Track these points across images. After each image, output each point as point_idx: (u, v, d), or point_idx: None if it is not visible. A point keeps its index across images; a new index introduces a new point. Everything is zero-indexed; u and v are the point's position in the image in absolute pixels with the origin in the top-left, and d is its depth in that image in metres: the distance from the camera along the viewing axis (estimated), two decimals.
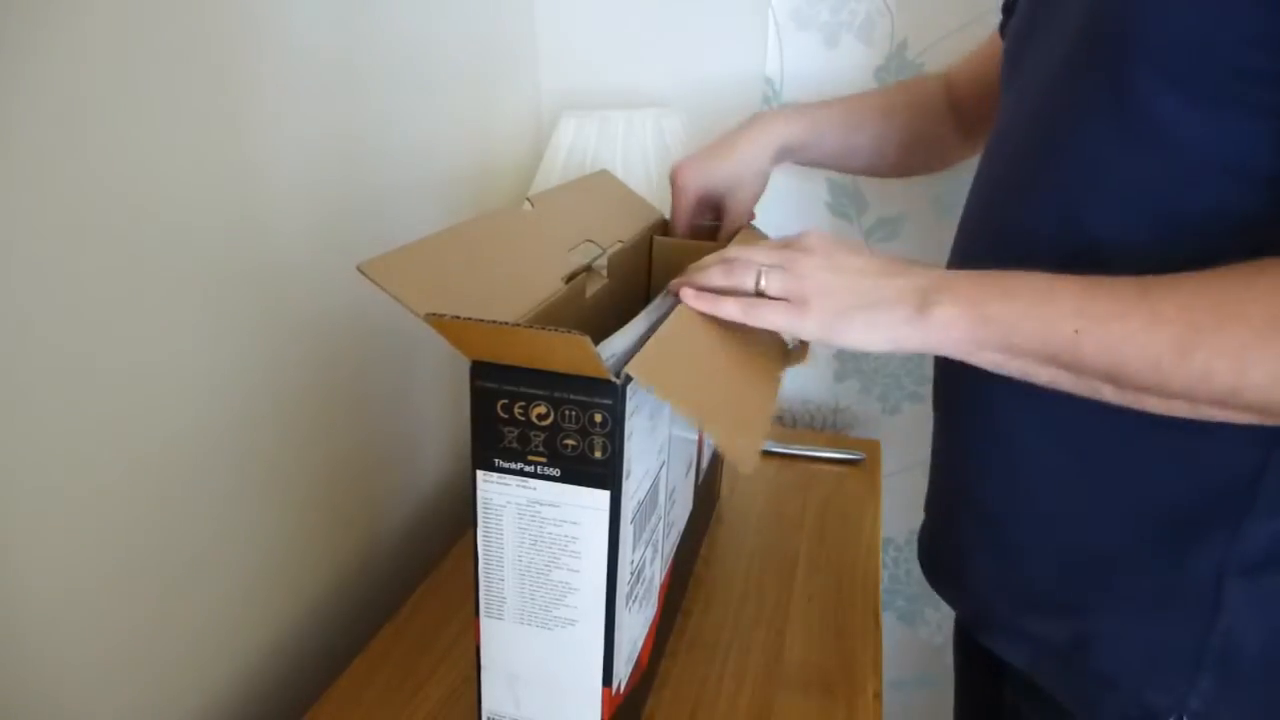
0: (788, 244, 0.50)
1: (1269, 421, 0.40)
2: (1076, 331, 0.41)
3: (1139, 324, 0.40)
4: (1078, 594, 0.52)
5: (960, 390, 0.56)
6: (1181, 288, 0.40)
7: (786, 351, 0.58)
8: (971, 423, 0.56)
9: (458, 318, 0.39)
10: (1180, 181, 0.43)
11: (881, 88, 0.76)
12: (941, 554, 0.63)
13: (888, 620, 1.18)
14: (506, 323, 0.39)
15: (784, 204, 1.02)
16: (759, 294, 0.47)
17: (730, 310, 0.47)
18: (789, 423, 1.12)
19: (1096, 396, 0.43)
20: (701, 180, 0.67)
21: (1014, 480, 0.53)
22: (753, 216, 0.73)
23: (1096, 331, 0.41)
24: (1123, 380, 0.41)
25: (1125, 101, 0.43)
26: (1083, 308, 0.41)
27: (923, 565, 0.66)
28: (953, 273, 0.46)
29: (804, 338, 0.47)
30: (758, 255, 0.50)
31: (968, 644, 0.68)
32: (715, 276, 0.49)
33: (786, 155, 0.70)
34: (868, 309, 0.45)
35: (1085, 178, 0.46)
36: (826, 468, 0.93)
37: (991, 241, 0.53)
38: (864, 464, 0.94)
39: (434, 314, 0.40)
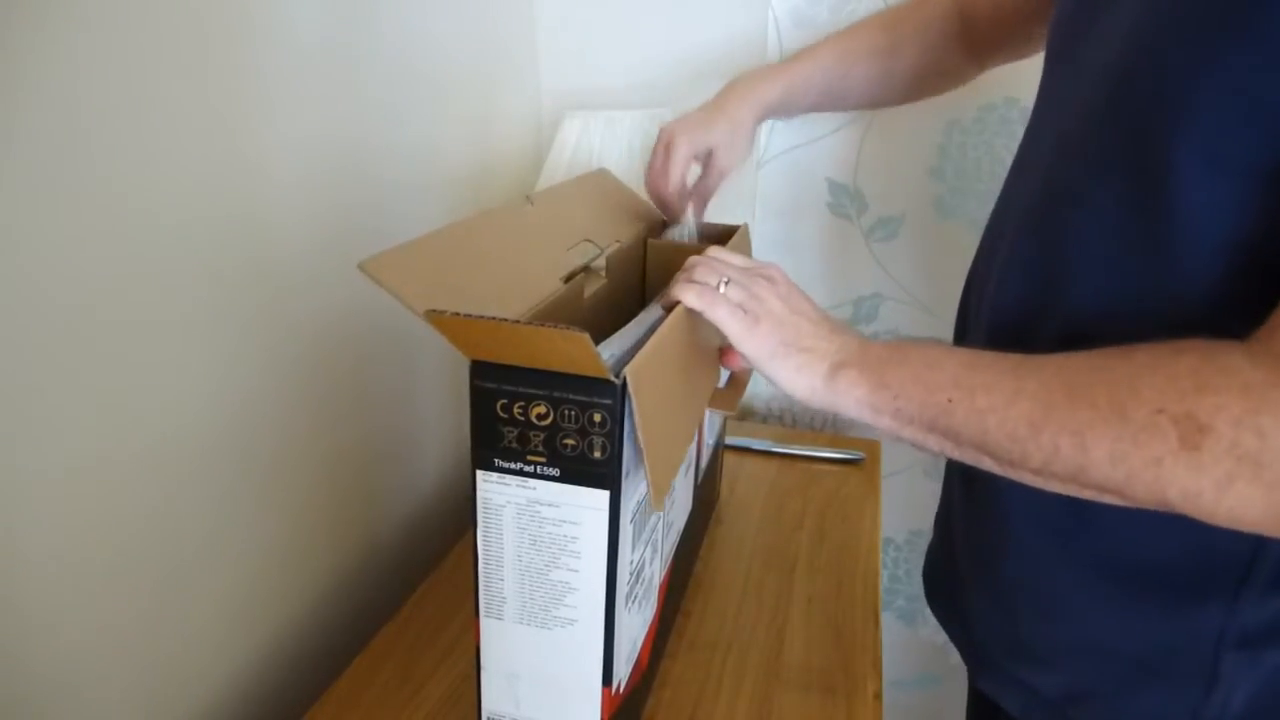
0: (756, 267, 0.52)
1: (1130, 503, 0.39)
2: (950, 400, 0.42)
3: (1003, 397, 0.41)
4: (1069, 651, 0.51)
5: None
6: (1049, 365, 0.41)
7: (716, 391, 0.57)
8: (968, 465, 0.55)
9: (457, 314, 0.39)
10: (1174, 257, 0.41)
11: (883, 16, 0.73)
12: (943, 583, 0.62)
13: (888, 620, 1.18)
14: (506, 319, 0.39)
15: (783, 205, 1.02)
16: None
17: (690, 297, 0.49)
18: (789, 422, 1.12)
19: (981, 467, 0.44)
20: (696, 143, 0.70)
21: (1009, 526, 0.51)
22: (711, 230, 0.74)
23: (966, 402, 0.42)
24: (992, 452, 0.42)
25: (1146, 163, 0.41)
26: (960, 378, 0.43)
27: (926, 588, 0.65)
28: (873, 341, 0.48)
29: (743, 351, 0.48)
30: (731, 260, 0.51)
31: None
32: (690, 272, 0.51)
33: (769, 114, 0.72)
34: (803, 352, 0.48)
35: (1083, 241, 0.45)
36: (826, 468, 0.93)
37: (993, 277, 0.52)
38: (864, 464, 0.94)
39: (433, 311, 0.40)
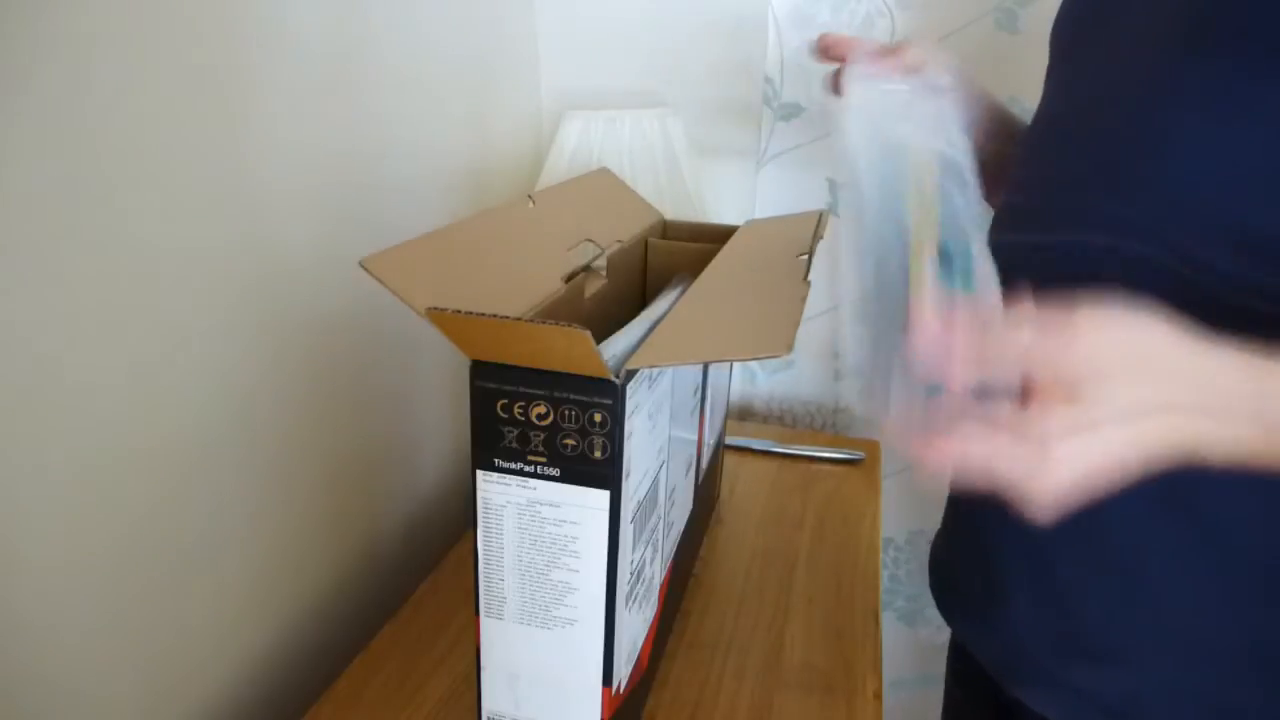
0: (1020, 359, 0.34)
1: None
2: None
3: None
4: (1137, 640, 0.45)
5: None
6: None
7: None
8: None
9: (458, 312, 0.39)
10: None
11: None
12: (964, 583, 0.57)
13: (888, 620, 1.18)
14: (507, 317, 0.39)
15: (783, 205, 1.02)
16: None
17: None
18: (789, 423, 1.12)
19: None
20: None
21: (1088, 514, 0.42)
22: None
23: None
24: None
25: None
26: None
27: (934, 589, 0.62)
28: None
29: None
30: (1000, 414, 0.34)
31: (964, 670, 0.66)
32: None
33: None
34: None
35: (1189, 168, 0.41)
36: (826, 468, 0.93)
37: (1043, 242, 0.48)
38: (864, 464, 0.94)
39: (434, 308, 0.40)
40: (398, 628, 0.67)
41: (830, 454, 0.94)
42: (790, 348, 0.35)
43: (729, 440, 0.96)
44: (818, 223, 0.64)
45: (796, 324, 0.40)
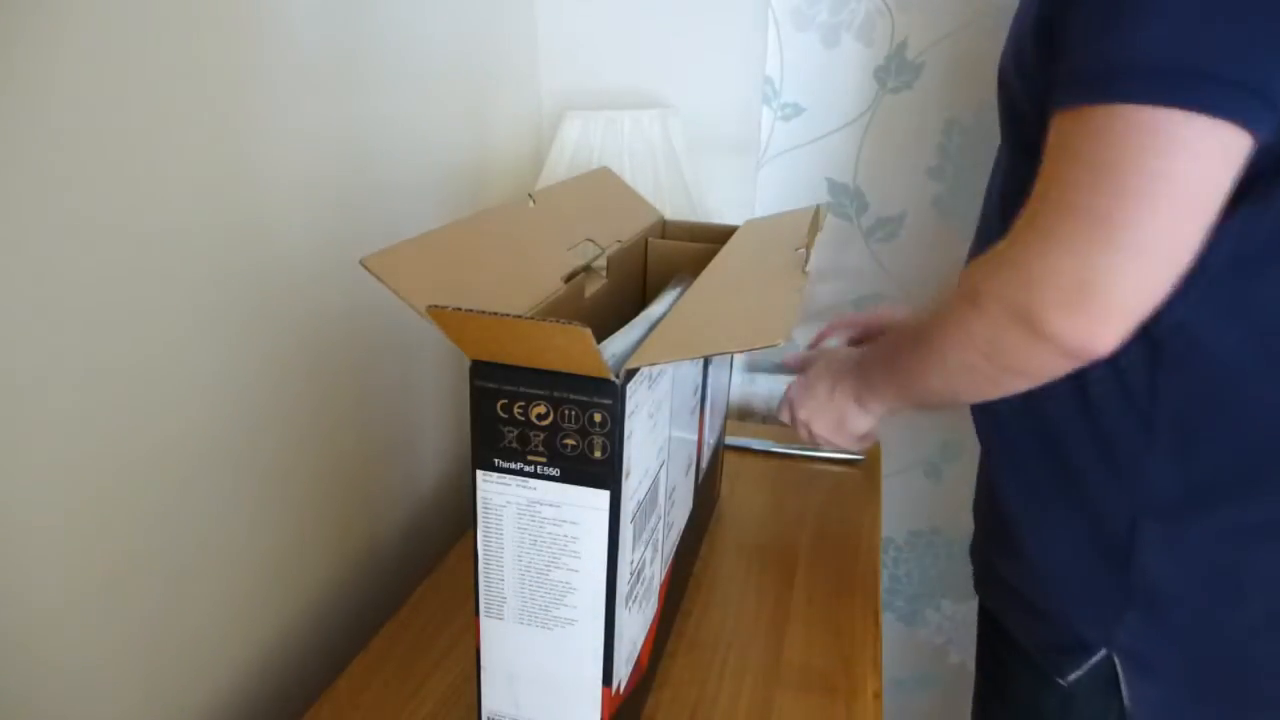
0: (799, 410, 0.67)
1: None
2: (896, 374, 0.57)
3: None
4: (1019, 535, 0.61)
5: None
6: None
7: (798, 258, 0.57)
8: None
9: (459, 310, 0.39)
10: None
11: None
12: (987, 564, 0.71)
13: (888, 620, 1.18)
14: (507, 314, 0.39)
15: (783, 205, 1.02)
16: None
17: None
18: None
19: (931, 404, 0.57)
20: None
21: (990, 439, 0.64)
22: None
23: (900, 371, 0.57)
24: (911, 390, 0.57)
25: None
26: (891, 358, 0.57)
27: (976, 576, 0.72)
28: (862, 364, 0.62)
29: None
30: (797, 414, 0.68)
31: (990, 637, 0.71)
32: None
33: None
34: (841, 424, 0.65)
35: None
36: (826, 468, 0.93)
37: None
38: (864, 464, 0.94)
39: (435, 306, 0.40)
40: (398, 628, 0.67)
41: (830, 454, 0.94)
42: (788, 336, 0.37)
43: (729, 440, 0.96)
44: (814, 217, 0.64)
45: (794, 313, 0.42)
